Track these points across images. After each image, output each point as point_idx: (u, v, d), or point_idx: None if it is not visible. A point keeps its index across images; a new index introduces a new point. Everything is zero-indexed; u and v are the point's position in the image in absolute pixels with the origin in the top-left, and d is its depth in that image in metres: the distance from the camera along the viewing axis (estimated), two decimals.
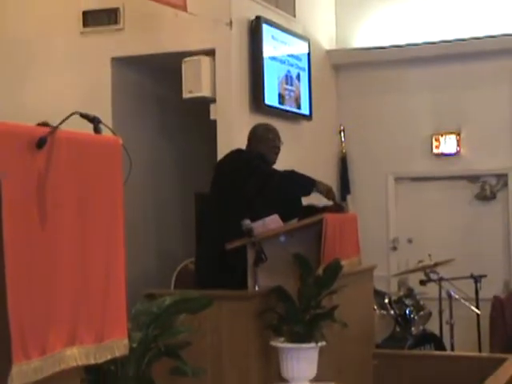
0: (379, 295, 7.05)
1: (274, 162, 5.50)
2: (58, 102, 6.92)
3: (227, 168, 5.37)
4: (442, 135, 8.87)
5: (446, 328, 7.32)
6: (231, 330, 4.37)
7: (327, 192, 5.29)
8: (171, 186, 8.17)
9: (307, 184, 5.27)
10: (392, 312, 7.12)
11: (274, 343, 4.43)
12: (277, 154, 5.53)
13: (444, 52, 8.76)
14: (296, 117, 8.12)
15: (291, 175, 5.31)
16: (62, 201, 2.25)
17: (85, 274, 2.33)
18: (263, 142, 5.47)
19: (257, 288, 4.60)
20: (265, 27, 7.38)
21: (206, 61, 6.98)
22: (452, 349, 7.23)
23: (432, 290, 7.39)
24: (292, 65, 8.00)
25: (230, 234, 4.74)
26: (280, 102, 7.70)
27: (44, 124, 2.33)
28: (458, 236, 8.75)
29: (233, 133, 6.95)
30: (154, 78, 7.87)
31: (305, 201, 5.56)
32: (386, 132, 9.04)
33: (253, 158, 5.32)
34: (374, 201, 9.02)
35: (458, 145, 8.83)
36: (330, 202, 5.42)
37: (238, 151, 5.51)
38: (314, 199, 5.62)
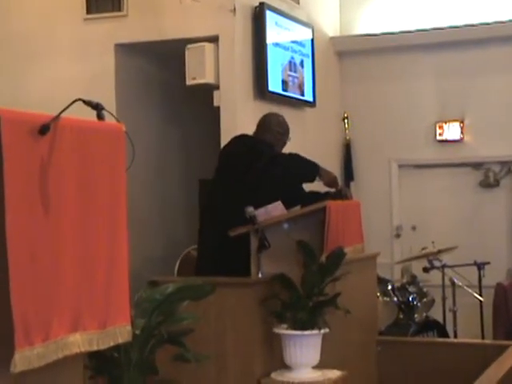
0: (382, 282, 7.04)
1: None
2: (61, 89, 6.93)
3: (230, 153, 5.33)
4: (445, 122, 8.85)
5: (449, 315, 7.32)
6: (234, 317, 4.37)
7: (330, 180, 5.24)
8: (175, 172, 8.17)
9: (312, 168, 5.20)
10: (395, 299, 7.12)
11: (277, 330, 4.43)
12: (282, 147, 5.47)
13: (448, 38, 8.72)
14: (300, 103, 8.11)
15: (296, 157, 5.25)
16: (64, 187, 2.25)
17: (88, 261, 2.34)
18: (272, 132, 5.39)
19: (260, 275, 4.59)
20: (268, 13, 7.36)
21: (209, 47, 6.96)
22: (455, 336, 7.24)
23: (435, 277, 7.38)
24: (296, 51, 7.97)
25: (233, 221, 4.74)
26: (283, 89, 7.69)
27: None
28: (461, 223, 8.75)
29: (236, 119, 6.94)
30: (158, 65, 7.85)
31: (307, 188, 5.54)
32: (390, 119, 9.02)
33: (256, 143, 5.28)
34: (378, 188, 9.01)
35: (462, 132, 8.80)
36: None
37: (242, 136, 5.47)
38: (317, 187, 5.60)
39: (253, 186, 5.01)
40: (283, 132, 5.45)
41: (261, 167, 5.05)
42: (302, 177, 5.28)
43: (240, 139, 5.44)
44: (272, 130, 5.40)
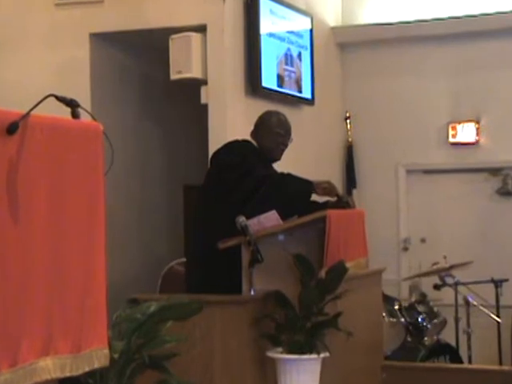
0: (389, 301, 7.06)
1: (279, 160, 5.42)
2: (31, 83, 6.92)
3: (222, 165, 5.20)
4: (459, 123, 8.88)
5: (462, 338, 7.34)
6: (223, 339, 4.37)
7: (329, 191, 5.20)
8: (157, 177, 8.17)
9: (307, 187, 5.12)
10: (403, 320, 7.13)
11: (271, 354, 4.43)
12: (283, 150, 5.43)
13: (461, 29, 8.75)
14: (297, 101, 8.13)
15: (289, 178, 5.17)
16: (36, 193, 2.25)
17: (61, 276, 2.33)
18: (272, 135, 5.32)
19: (252, 292, 4.61)
20: (262, 0, 7.38)
21: (196, 38, 6.97)
22: (470, 361, 7.25)
23: (447, 295, 7.40)
24: (292, 42, 8.00)
25: (223, 232, 4.74)
26: (279, 85, 7.70)
27: None
28: (476, 235, 8.77)
29: (226, 118, 6.95)
30: (138, 57, 7.86)
31: None
32: (397, 119, 9.04)
33: (248, 155, 5.22)
34: (384, 195, 9.03)
35: (477, 134, 8.84)
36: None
37: (236, 143, 5.38)
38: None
39: (240, 203, 4.97)
40: (284, 133, 5.38)
41: (251, 186, 5.02)
42: (297, 198, 5.23)
43: (233, 147, 5.34)
44: (272, 131, 5.34)
